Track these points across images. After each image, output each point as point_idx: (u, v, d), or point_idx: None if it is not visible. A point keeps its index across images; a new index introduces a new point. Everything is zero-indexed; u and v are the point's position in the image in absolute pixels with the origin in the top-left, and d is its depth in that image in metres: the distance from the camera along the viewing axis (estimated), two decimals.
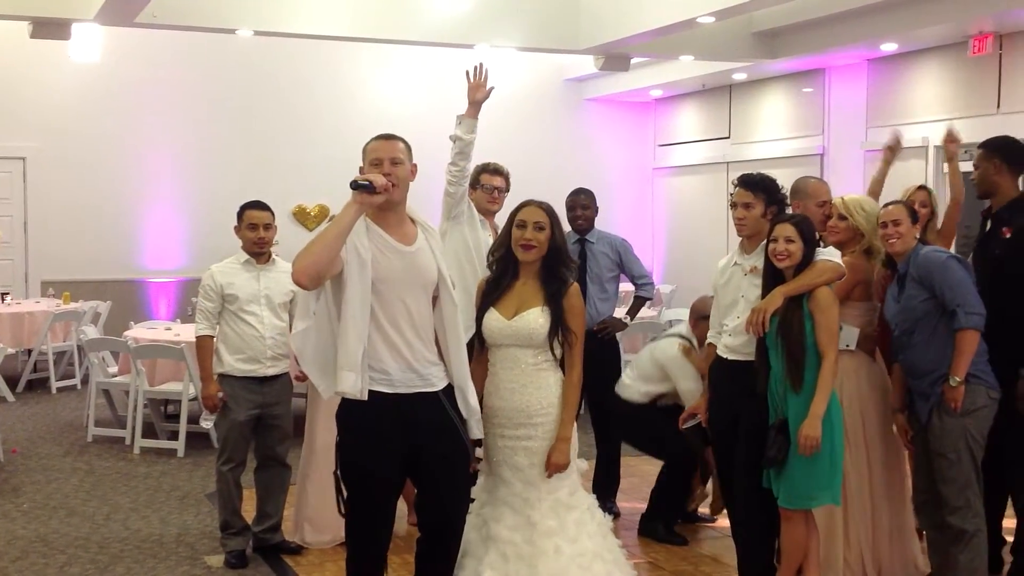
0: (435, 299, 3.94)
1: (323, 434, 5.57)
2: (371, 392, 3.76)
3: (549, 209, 4.34)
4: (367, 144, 3.92)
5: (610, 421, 6.23)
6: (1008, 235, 4.99)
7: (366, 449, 3.79)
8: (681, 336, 5.96)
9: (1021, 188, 5.22)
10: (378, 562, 3.90)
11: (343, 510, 3.91)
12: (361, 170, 3.85)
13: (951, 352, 4.55)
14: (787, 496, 4.48)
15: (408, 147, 3.92)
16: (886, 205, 4.85)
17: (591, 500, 4.41)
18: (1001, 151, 5.15)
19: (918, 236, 4.79)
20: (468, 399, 3.94)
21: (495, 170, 5.78)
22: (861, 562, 4.98)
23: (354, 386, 3.71)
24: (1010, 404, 4.79)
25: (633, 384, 6.00)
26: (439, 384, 3.89)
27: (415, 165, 3.93)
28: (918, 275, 4.63)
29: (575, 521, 4.24)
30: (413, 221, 3.95)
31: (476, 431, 3.99)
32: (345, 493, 3.90)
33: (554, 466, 4.22)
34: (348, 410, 3.82)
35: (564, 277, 4.29)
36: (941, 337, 4.58)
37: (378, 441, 3.78)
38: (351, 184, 3.69)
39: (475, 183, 5.66)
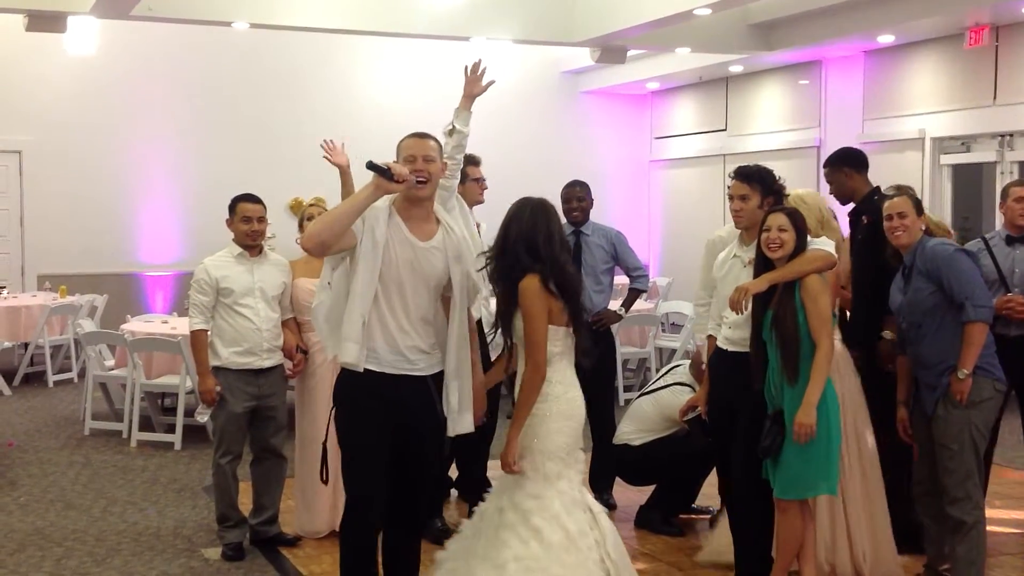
0: (448, 299, 4.07)
1: (311, 426, 5.63)
2: (357, 369, 3.96)
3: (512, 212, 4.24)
4: (402, 141, 4.08)
5: (607, 381, 6.21)
6: (867, 221, 5.39)
7: (355, 422, 3.99)
8: (682, 384, 5.94)
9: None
10: (370, 529, 4.02)
11: (324, 478, 4.18)
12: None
13: (958, 344, 4.55)
14: (782, 486, 4.48)
15: (439, 145, 4.12)
16: (891, 197, 4.84)
17: (559, 510, 4.07)
18: (845, 161, 5.73)
19: (923, 228, 4.80)
20: (450, 397, 4.03)
21: (478, 161, 5.86)
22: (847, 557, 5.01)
23: (357, 356, 3.92)
24: (871, 363, 5.21)
25: (635, 434, 5.96)
26: (427, 371, 4.04)
27: (445, 163, 4.15)
28: (925, 268, 4.63)
29: (529, 525, 4.03)
30: (438, 221, 4.09)
31: (454, 427, 4.05)
32: (328, 463, 4.16)
33: (503, 464, 4.11)
34: (342, 384, 4.05)
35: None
36: (948, 329, 4.58)
37: (365, 415, 3.97)
38: (367, 164, 3.85)
39: (462, 178, 5.64)
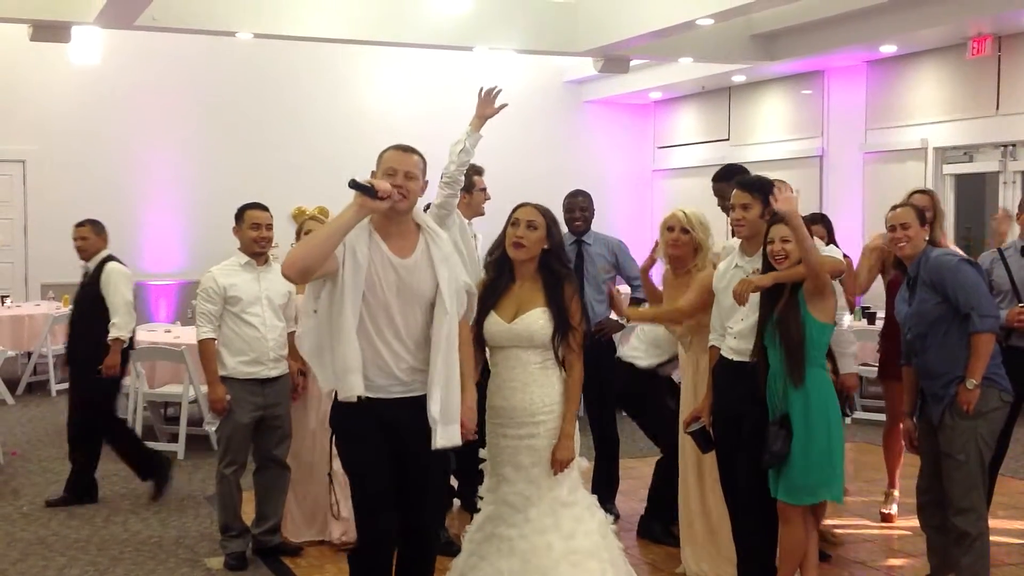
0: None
1: (304, 433, 5.65)
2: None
3: (545, 211, 4.34)
4: (384, 152, 3.93)
5: (609, 391, 6.14)
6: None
7: (355, 451, 3.88)
8: None
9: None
10: (383, 555, 3.93)
11: (335, 512, 4.06)
12: (373, 175, 3.86)
13: (964, 354, 4.54)
14: (786, 491, 4.47)
15: (424, 162, 3.94)
16: (893, 208, 4.84)
17: (591, 499, 4.41)
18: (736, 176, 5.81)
19: (927, 239, 4.79)
20: (431, 408, 3.84)
21: (482, 170, 5.85)
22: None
23: (363, 387, 3.77)
24: None
25: (643, 354, 5.81)
26: (421, 390, 3.90)
27: (427, 181, 3.95)
28: (930, 279, 4.62)
29: (572, 518, 4.25)
30: (419, 227, 3.95)
31: (438, 439, 3.86)
32: (337, 494, 4.05)
33: (559, 463, 4.24)
34: (337, 414, 3.91)
35: (563, 277, 4.30)
36: (954, 340, 4.57)
37: (365, 443, 3.85)
38: (349, 183, 3.69)
39: (470, 187, 5.63)
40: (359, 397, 3.79)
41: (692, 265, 5.26)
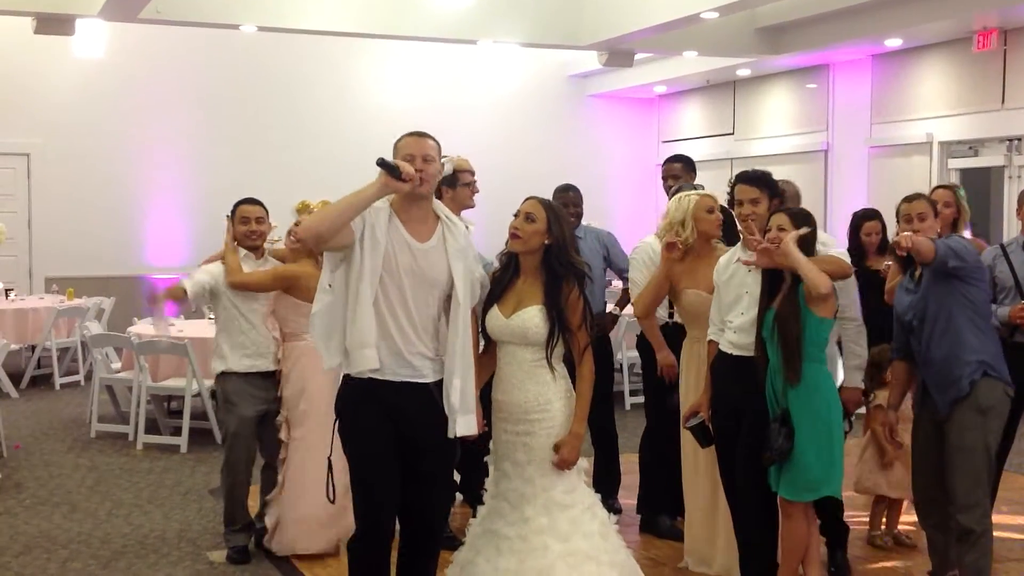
0: (450, 297, 3.98)
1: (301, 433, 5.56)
2: (362, 377, 3.86)
3: (549, 205, 4.31)
4: (399, 140, 3.99)
5: (607, 385, 6.08)
6: None
7: (359, 438, 3.90)
8: None
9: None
10: (383, 539, 3.93)
11: (332, 496, 4.05)
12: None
13: (967, 341, 4.51)
14: (787, 487, 4.47)
15: (438, 145, 4.01)
16: (909, 199, 4.80)
17: (592, 499, 4.36)
18: (691, 166, 6.36)
19: (940, 233, 4.78)
20: (451, 396, 3.90)
21: (466, 164, 5.73)
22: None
23: (376, 360, 3.82)
24: None
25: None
26: (430, 376, 3.94)
27: (443, 164, 4.03)
28: (943, 264, 4.58)
29: (569, 520, 4.20)
30: (438, 217, 4.00)
31: (458, 428, 3.92)
32: (334, 480, 4.05)
33: (562, 461, 4.20)
34: (343, 395, 3.95)
35: (563, 276, 4.25)
36: (957, 323, 4.54)
37: (369, 430, 3.87)
38: (377, 161, 3.77)
39: (453, 182, 5.41)
40: (368, 378, 3.84)
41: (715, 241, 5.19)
